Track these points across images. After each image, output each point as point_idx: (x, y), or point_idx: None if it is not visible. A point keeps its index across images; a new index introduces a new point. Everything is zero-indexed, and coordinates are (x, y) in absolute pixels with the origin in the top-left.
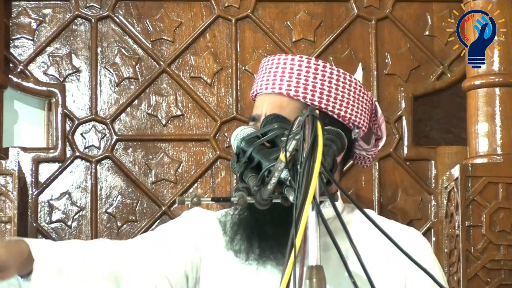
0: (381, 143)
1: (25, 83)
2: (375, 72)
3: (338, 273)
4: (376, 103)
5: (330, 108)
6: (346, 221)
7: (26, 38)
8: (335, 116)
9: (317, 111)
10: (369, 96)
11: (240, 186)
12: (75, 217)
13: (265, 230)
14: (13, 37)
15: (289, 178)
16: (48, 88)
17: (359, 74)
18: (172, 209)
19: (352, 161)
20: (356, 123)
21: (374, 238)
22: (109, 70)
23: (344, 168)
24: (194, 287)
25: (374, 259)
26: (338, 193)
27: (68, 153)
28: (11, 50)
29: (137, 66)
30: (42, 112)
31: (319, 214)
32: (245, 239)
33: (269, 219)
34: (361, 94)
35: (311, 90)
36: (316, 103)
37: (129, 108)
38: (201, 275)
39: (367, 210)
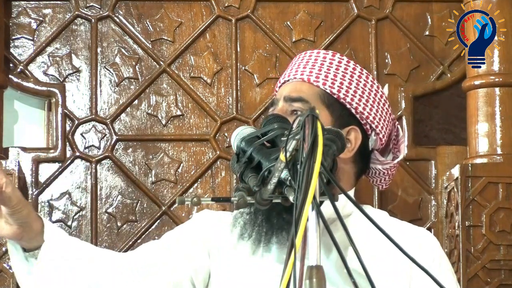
0: (398, 159)
1: (25, 83)
2: (375, 72)
3: (341, 273)
4: (399, 126)
5: (348, 99)
6: (356, 221)
7: (26, 38)
8: (353, 110)
9: (334, 100)
10: (391, 112)
11: (240, 186)
12: (75, 217)
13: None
14: (13, 37)
15: (289, 178)
16: (48, 88)
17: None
18: (172, 209)
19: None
20: (374, 125)
21: (383, 238)
22: (109, 70)
23: None
24: None
25: (379, 259)
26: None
27: (68, 153)
28: (11, 50)
29: (137, 66)
30: (42, 112)
31: (319, 214)
32: (257, 230)
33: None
34: (382, 100)
35: (331, 79)
36: (335, 91)
37: (129, 108)
38: (211, 278)
39: (380, 212)
